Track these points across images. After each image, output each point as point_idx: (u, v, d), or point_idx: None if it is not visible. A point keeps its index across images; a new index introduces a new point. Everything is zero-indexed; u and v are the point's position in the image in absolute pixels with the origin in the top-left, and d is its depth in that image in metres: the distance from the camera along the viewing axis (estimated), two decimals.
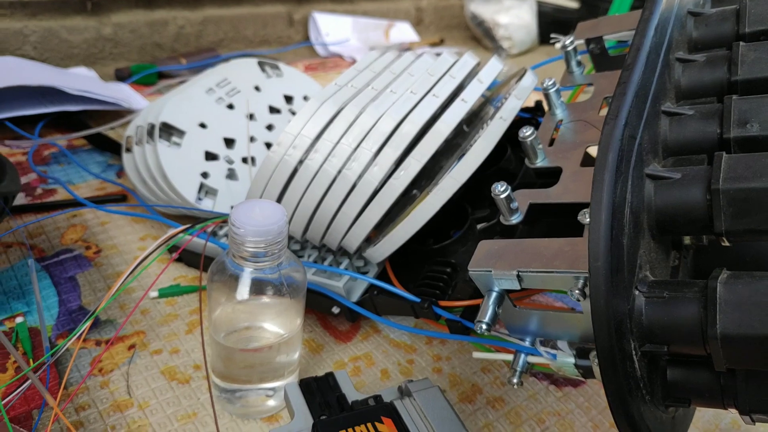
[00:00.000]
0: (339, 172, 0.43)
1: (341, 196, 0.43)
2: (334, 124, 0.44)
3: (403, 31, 1.33)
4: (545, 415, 0.44)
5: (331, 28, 1.27)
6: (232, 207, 0.54)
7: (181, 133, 0.56)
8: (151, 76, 0.94)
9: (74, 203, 0.60)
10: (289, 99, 0.64)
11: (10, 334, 0.45)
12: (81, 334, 0.39)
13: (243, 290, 0.37)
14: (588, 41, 0.43)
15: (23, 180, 0.64)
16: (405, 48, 1.18)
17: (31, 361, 0.43)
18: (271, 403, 0.41)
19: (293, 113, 0.63)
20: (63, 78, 0.75)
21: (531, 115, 0.55)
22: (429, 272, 0.45)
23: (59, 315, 0.48)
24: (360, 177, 0.42)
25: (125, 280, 0.40)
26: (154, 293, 0.51)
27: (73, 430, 0.38)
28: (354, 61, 1.18)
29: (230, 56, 1.08)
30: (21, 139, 0.71)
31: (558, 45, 0.43)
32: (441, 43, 1.41)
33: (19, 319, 0.47)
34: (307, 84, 0.67)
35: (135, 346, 0.46)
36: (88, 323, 0.39)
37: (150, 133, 0.56)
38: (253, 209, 0.36)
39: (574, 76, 0.43)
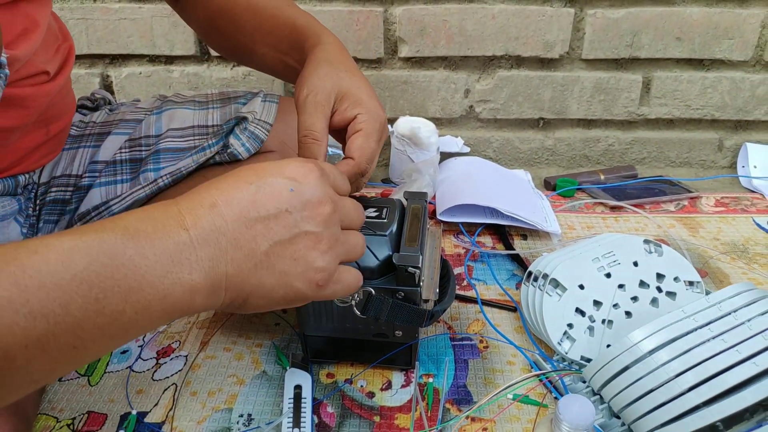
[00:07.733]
0: (655, 388, 0.57)
1: (652, 405, 0.57)
2: (664, 349, 0.58)
3: None
4: None
5: (762, 162, 1.25)
6: (581, 357, 0.73)
7: (564, 288, 0.76)
8: (570, 191, 1.17)
9: (483, 303, 0.88)
10: (660, 276, 0.78)
11: (423, 386, 0.75)
12: (466, 415, 0.64)
13: None
14: None
15: (456, 271, 0.95)
16: None
17: (428, 413, 0.71)
18: None
19: (659, 290, 0.77)
20: (502, 194, 1.03)
21: None
22: None
23: (451, 386, 0.75)
24: (672, 399, 0.56)
25: (499, 393, 0.64)
26: (510, 395, 0.73)
27: None
28: None
29: (646, 179, 1.22)
30: (461, 237, 1.03)
31: None
32: None
33: (430, 379, 0.76)
34: (681, 266, 0.78)
35: (486, 430, 0.70)
36: (469, 414, 0.64)
37: (544, 277, 0.78)
38: (574, 404, 0.54)
39: None
